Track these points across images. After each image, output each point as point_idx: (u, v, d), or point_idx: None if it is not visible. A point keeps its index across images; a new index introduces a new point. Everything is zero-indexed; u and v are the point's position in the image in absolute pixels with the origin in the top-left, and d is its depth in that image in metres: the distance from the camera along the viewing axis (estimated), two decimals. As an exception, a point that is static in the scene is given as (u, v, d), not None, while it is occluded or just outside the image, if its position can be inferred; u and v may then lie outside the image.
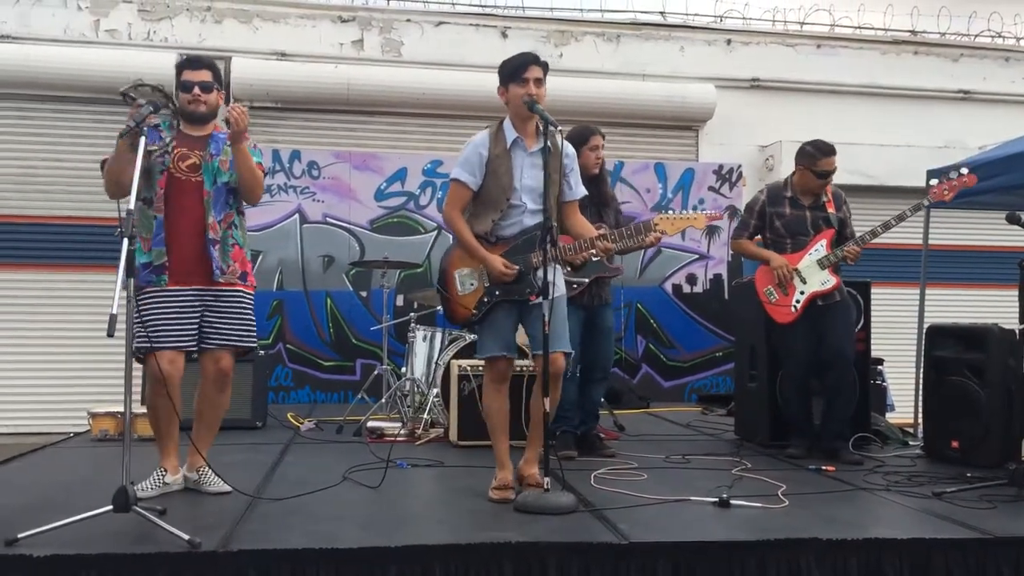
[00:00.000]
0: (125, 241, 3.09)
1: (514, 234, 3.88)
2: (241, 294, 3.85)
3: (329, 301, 7.86)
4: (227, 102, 8.11)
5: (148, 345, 3.59)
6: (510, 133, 3.87)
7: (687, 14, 9.29)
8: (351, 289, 7.89)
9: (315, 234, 7.87)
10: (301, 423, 6.02)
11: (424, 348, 6.06)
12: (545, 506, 3.52)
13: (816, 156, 4.92)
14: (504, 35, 8.75)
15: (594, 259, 4.32)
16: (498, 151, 3.86)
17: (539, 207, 3.83)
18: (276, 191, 7.76)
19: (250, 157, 3.76)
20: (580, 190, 4.04)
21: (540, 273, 3.71)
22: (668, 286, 8.39)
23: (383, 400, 6.00)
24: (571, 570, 3.02)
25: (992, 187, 5.69)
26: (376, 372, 6.26)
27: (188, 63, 3.83)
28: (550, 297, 3.61)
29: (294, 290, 7.81)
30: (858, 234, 4.93)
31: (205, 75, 3.79)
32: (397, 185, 8.03)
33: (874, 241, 4.95)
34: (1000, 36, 9.81)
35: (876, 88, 9.43)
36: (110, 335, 2.90)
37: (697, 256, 8.43)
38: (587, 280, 4.85)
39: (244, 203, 3.94)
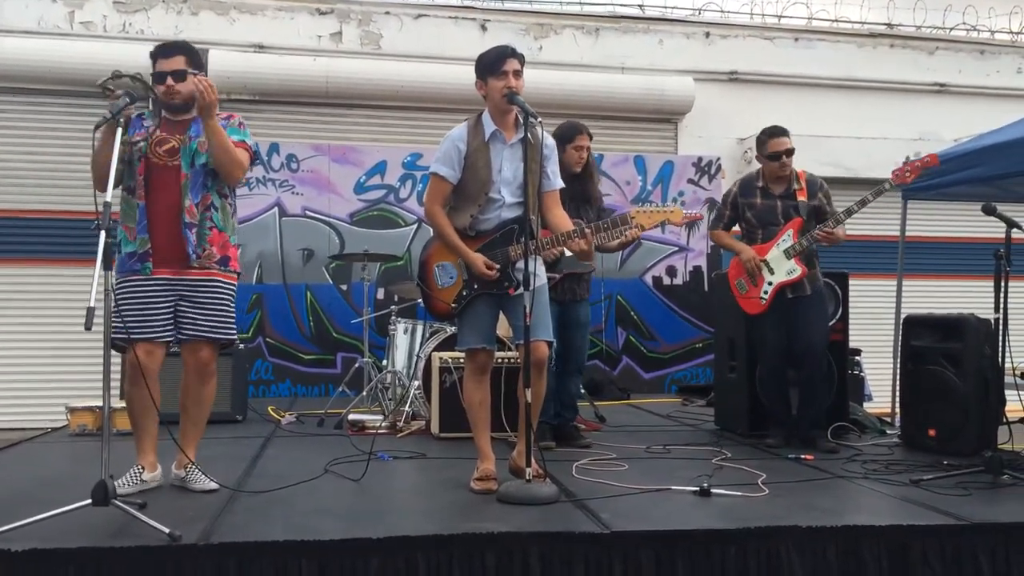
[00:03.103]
0: (102, 234, 3.06)
1: (493, 227, 3.88)
2: (219, 283, 3.74)
3: (309, 294, 7.83)
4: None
5: (125, 337, 3.54)
6: (488, 126, 3.86)
7: (666, 7, 9.32)
8: (331, 282, 7.87)
9: (294, 227, 7.83)
10: (282, 416, 6.00)
11: (405, 341, 6.05)
12: (527, 496, 3.53)
13: (764, 140, 5.01)
14: (483, 28, 8.73)
15: (567, 255, 4.33)
16: (476, 144, 3.85)
17: (518, 199, 3.83)
18: (255, 184, 7.71)
19: (221, 133, 3.64)
20: (558, 182, 4.03)
21: (520, 265, 3.73)
22: (648, 278, 8.42)
23: (364, 393, 6.00)
24: (553, 560, 3.03)
25: (967, 178, 5.74)
26: (357, 365, 6.25)
27: (161, 51, 3.73)
28: (532, 288, 3.61)
29: (274, 284, 7.77)
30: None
31: (178, 62, 3.69)
32: (377, 178, 8.00)
33: (851, 233, 4.98)
34: (975, 29, 9.90)
35: (853, 81, 9.50)
36: (88, 328, 2.87)
37: (677, 248, 8.47)
38: (557, 275, 4.85)
39: (226, 186, 3.84)
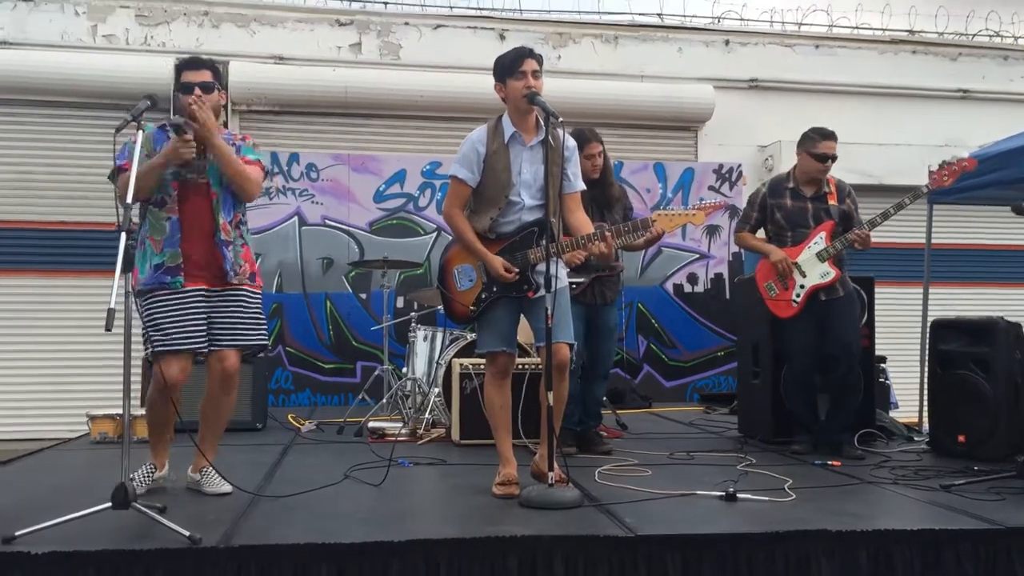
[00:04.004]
0: (123, 236, 3.05)
1: (513, 230, 3.85)
2: (249, 293, 3.80)
3: (329, 303, 7.82)
4: (225, 105, 8.13)
5: (166, 349, 3.55)
6: (508, 128, 3.84)
7: (685, 15, 9.29)
8: (351, 291, 7.86)
9: (314, 236, 7.83)
10: (302, 424, 5.98)
11: (425, 348, 6.02)
12: (550, 501, 3.48)
13: (816, 139, 4.93)
14: (502, 37, 8.73)
15: (591, 260, 4.29)
16: (495, 147, 3.83)
17: (538, 202, 3.80)
18: (275, 194, 7.74)
19: (226, 152, 3.64)
20: (579, 183, 3.99)
21: (540, 268, 3.69)
22: (669, 286, 8.36)
23: (384, 400, 5.97)
24: (578, 564, 2.98)
25: (993, 181, 5.68)
26: (377, 373, 6.22)
27: (188, 64, 3.76)
28: (553, 290, 3.57)
29: (293, 293, 7.78)
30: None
31: (205, 75, 3.71)
32: (396, 187, 8.01)
33: (876, 240, 4.92)
34: (998, 35, 9.80)
35: (874, 88, 9.41)
36: (108, 329, 2.86)
37: (698, 255, 8.41)
38: (585, 280, 4.82)
39: (242, 201, 3.86)
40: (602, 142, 4.94)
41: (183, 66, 3.76)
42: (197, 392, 4.77)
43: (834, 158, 4.93)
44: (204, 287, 3.69)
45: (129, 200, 3.18)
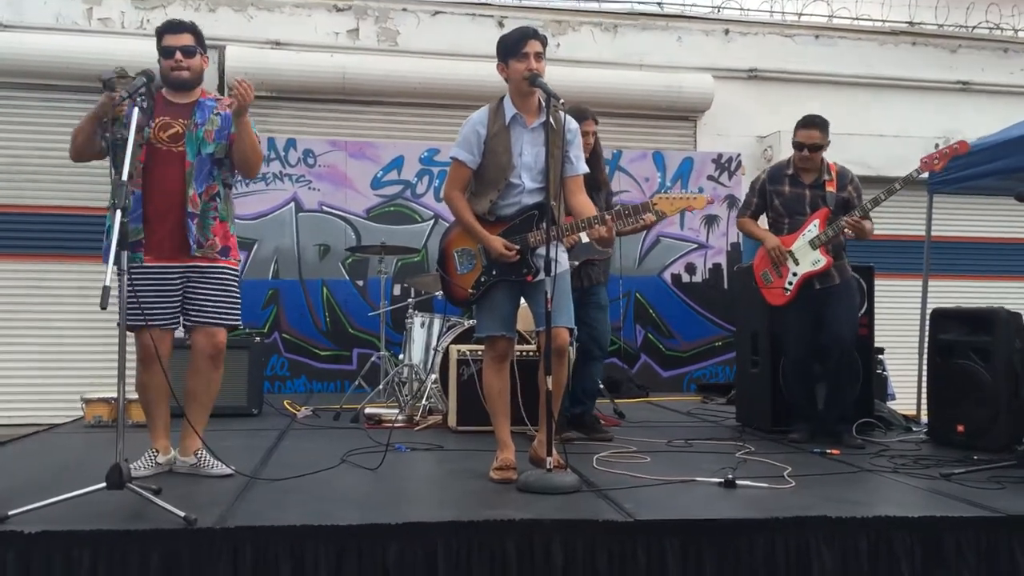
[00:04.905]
0: (118, 213, 3.01)
1: (513, 213, 3.81)
2: (223, 270, 3.72)
3: (325, 290, 7.78)
4: (221, 89, 8.08)
5: (142, 322, 3.49)
6: (509, 110, 3.80)
7: (684, 4, 9.24)
8: (347, 278, 7.82)
9: (311, 223, 7.79)
10: (298, 410, 5.95)
11: (422, 334, 5.99)
12: (548, 486, 3.45)
13: (796, 127, 4.94)
14: (501, 24, 8.66)
15: (584, 241, 4.25)
16: (496, 128, 3.79)
17: (538, 185, 3.76)
18: (272, 179, 7.69)
19: (252, 131, 3.66)
20: (582, 166, 3.95)
21: (539, 252, 3.66)
22: (667, 275, 8.33)
23: (381, 387, 5.94)
24: (576, 548, 2.95)
25: (994, 171, 5.66)
26: (373, 359, 6.19)
27: (169, 27, 3.70)
28: (553, 274, 3.53)
29: (290, 279, 7.73)
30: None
31: (187, 39, 3.67)
32: (394, 173, 7.96)
33: (876, 232, 4.89)
34: (998, 27, 9.78)
35: (874, 79, 9.38)
36: (103, 307, 2.82)
37: (696, 245, 8.38)
38: (575, 263, 4.76)
39: (243, 177, 3.85)
40: (596, 122, 4.89)
41: (164, 30, 3.70)
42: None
43: (814, 147, 4.87)
44: (175, 263, 3.62)
45: (125, 171, 3.11)
